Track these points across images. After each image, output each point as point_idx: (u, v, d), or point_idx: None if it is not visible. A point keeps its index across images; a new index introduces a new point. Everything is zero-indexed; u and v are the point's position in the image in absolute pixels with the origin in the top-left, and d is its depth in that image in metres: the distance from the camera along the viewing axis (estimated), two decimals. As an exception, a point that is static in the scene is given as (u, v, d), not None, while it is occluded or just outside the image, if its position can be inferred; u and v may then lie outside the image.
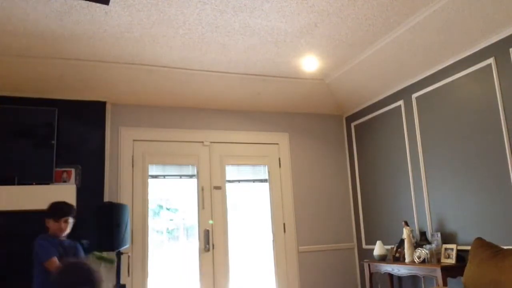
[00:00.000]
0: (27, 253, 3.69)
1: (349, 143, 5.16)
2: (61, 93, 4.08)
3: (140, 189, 4.31)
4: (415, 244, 3.76)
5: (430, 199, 3.89)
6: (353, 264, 4.90)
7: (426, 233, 3.84)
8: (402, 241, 3.92)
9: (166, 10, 3.06)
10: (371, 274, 4.17)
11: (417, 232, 3.91)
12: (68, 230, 3.11)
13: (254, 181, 4.84)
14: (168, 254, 4.37)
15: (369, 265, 4.18)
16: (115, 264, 3.66)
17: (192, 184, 4.55)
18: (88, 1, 2.86)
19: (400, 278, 4.22)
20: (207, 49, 3.73)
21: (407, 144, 4.17)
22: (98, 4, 2.92)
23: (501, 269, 2.77)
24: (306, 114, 5.12)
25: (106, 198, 4.08)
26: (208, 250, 4.39)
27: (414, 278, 4.06)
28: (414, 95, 4.09)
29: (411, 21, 3.38)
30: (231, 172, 4.72)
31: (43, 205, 3.17)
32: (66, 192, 3.68)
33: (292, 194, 4.84)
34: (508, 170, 3.15)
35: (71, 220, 3.12)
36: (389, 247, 4.20)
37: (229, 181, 4.68)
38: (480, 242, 3.07)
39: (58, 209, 3.09)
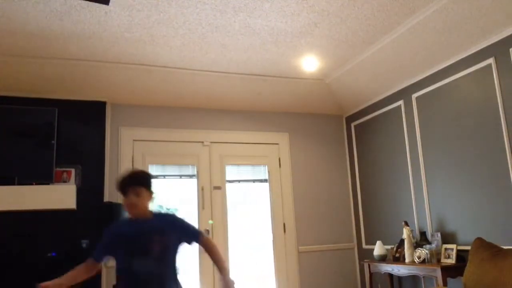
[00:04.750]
0: (27, 253, 3.72)
1: (349, 143, 5.15)
2: (61, 93, 4.08)
3: (140, 189, 4.29)
4: (415, 244, 3.75)
5: (430, 199, 3.88)
6: (353, 264, 4.90)
7: (426, 233, 3.84)
8: (402, 241, 3.92)
9: (166, 10, 3.06)
10: (371, 274, 4.17)
11: (417, 232, 3.90)
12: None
13: (254, 181, 4.83)
14: (168, 254, 4.36)
15: (369, 265, 4.18)
16: None
17: (192, 184, 4.55)
18: (88, 1, 2.85)
19: (400, 278, 4.22)
20: (207, 49, 3.73)
21: (407, 144, 4.17)
22: (98, 4, 2.92)
23: (501, 269, 2.77)
24: (306, 114, 5.12)
25: (106, 198, 4.08)
26: (208, 250, 4.38)
27: (414, 278, 4.06)
28: (414, 95, 4.09)
29: (411, 21, 3.38)
30: (231, 172, 4.72)
31: (43, 205, 3.16)
32: (66, 192, 3.68)
33: (292, 194, 4.84)
34: (508, 170, 3.15)
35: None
36: (389, 247, 4.19)
37: (229, 181, 4.67)
38: (480, 242, 3.07)
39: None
